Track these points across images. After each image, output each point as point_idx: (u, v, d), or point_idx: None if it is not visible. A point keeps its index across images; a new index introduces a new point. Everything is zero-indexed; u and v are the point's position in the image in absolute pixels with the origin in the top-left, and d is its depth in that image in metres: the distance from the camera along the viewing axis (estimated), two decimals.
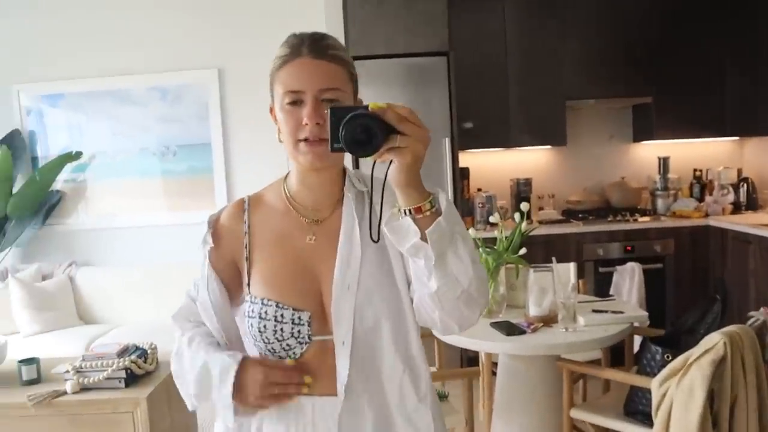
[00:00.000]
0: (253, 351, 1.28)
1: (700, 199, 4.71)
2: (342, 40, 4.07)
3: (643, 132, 4.82)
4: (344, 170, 1.31)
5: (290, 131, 1.18)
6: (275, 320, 1.20)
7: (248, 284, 1.26)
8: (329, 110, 1.02)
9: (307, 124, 1.16)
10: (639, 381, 2.44)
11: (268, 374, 1.21)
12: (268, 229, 1.28)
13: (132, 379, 2.75)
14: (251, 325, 1.23)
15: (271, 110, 1.26)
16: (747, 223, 4.13)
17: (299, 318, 1.21)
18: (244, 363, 1.21)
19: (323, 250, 1.25)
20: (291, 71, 1.18)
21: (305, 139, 1.17)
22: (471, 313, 1.16)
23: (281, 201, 1.30)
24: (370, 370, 1.23)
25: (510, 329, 2.53)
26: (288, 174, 1.32)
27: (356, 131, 0.99)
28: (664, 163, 4.72)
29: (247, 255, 1.27)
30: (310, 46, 1.19)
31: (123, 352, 2.80)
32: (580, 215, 4.61)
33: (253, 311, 1.23)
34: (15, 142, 4.60)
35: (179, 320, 1.34)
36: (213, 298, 1.28)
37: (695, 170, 4.85)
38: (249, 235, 1.29)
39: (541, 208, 4.70)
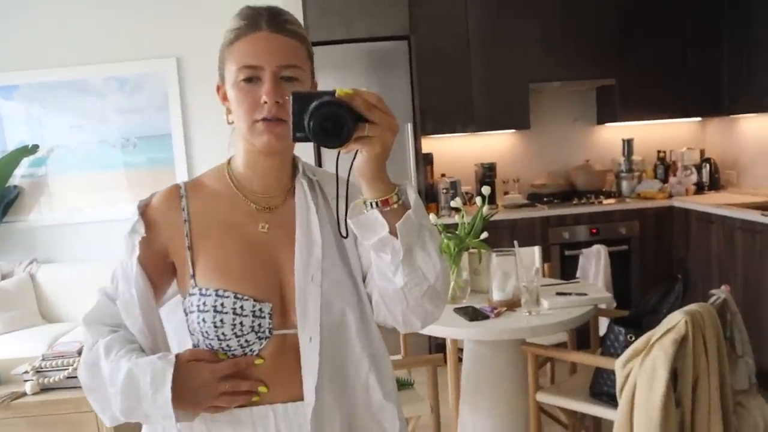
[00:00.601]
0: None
1: (664, 181, 4.75)
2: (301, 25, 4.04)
3: (606, 114, 4.84)
4: (293, 157, 1.25)
5: (245, 111, 1.09)
6: (234, 313, 1.10)
7: (193, 276, 1.15)
8: (291, 95, 0.96)
9: (266, 103, 1.07)
10: (603, 362, 2.45)
11: (214, 370, 1.10)
12: (213, 217, 1.18)
13: None
14: (203, 320, 1.11)
15: (218, 89, 1.18)
16: (710, 203, 4.18)
17: (260, 310, 1.12)
18: (179, 364, 1.09)
19: (279, 240, 1.18)
20: (247, 45, 1.10)
21: (263, 119, 1.09)
22: (435, 309, 1.14)
23: (226, 187, 1.21)
24: (337, 367, 1.16)
25: (474, 314, 2.52)
26: (231, 158, 1.24)
27: (324, 120, 0.93)
28: (628, 145, 4.75)
29: (189, 244, 1.16)
30: (269, 20, 1.11)
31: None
32: (545, 199, 4.63)
33: (204, 304, 1.11)
34: None
35: (92, 324, 1.19)
36: (139, 294, 1.14)
37: (659, 152, 4.89)
38: (189, 223, 1.18)
39: (506, 193, 4.71)
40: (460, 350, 2.92)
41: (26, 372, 2.70)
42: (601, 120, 4.92)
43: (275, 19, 1.12)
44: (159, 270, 1.19)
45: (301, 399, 1.13)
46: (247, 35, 1.11)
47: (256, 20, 1.11)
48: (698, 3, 4.52)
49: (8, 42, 4.52)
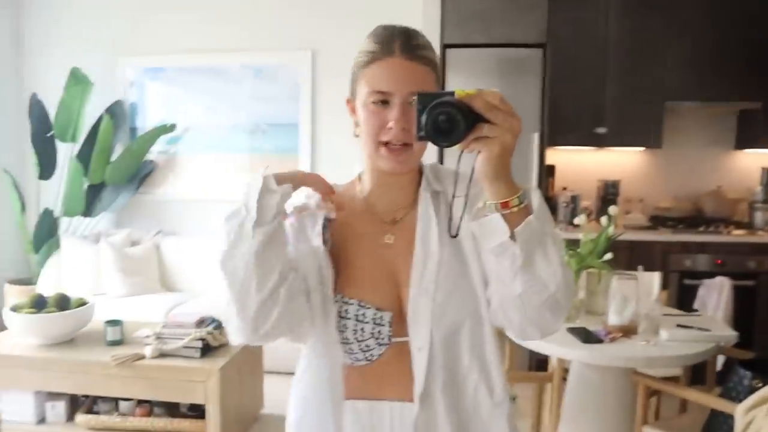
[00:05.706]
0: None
1: None
2: (438, 27, 4.03)
3: (747, 140, 4.54)
4: (421, 169, 1.27)
5: (372, 132, 1.13)
6: (356, 319, 1.17)
7: None
8: (416, 96, 0.97)
9: (392, 128, 1.11)
10: (723, 405, 2.31)
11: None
12: (347, 227, 1.24)
13: (207, 350, 2.83)
14: None
15: (348, 102, 1.21)
16: None
17: (381, 318, 1.18)
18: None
19: (401, 251, 1.21)
20: (380, 71, 1.12)
21: (387, 143, 1.13)
22: (555, 320, 1.11)
23: (357, 201, 1.26)
24: (446, 376, 1.19)
25: (587, 336, 2.44)
26: (361, 173, 1.28)
27: (438, 119, 0.94)
28: (767, 174, 4.45)
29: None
30: (402, 45, 1.12)
31: (201, 323, 2.89)
32: (669, 223, 4.42)
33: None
34: (117, 112, 4.80)
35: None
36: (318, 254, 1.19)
37: None
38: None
39: (627, 212, 4.52)
40: (566, 371, 2.85)
41: (148, 336, 2.88)
42: (740, 145, 4.62)
43: (408, 44, 1.13)
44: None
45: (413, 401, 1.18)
46: (381, 60, 1.13)
47: (389, 44, 1.13)
48: None
49: (159, 28, 4.82)
